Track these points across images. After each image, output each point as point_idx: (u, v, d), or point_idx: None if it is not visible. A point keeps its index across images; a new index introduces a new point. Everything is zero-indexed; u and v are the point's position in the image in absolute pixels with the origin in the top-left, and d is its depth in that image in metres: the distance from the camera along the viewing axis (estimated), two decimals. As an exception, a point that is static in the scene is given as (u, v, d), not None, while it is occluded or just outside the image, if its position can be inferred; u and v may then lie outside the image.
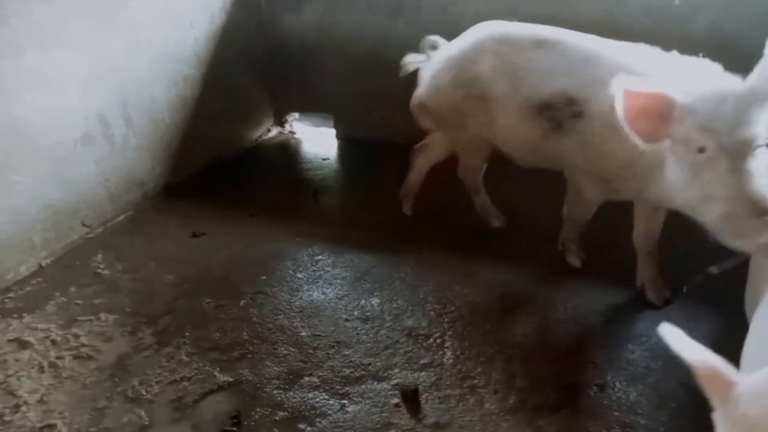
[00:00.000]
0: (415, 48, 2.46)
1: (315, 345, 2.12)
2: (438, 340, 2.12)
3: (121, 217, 2.90)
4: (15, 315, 2.27)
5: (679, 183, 1.70)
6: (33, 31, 2.36)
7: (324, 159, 3.54)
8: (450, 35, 3.13)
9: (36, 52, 2.39)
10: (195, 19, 3.11)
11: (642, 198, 2.03)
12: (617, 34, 2.88)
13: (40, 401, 1.90)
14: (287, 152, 3.75)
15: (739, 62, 2.43)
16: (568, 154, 2.12)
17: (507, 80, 2.17)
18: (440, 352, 2.06)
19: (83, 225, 2.72)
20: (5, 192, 2.37)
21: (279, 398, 1.91)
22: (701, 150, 1.57)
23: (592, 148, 2.02)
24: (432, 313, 2.25)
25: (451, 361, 2.03)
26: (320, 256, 2.61)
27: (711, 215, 1.61)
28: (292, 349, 2.10)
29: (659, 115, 1.60)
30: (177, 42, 3.02)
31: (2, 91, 2.30)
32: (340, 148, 3.75)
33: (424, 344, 2.10)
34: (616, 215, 2.30)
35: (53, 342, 2.14)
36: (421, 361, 2.02)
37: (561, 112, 2.04)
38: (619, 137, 1.70)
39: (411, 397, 1.89)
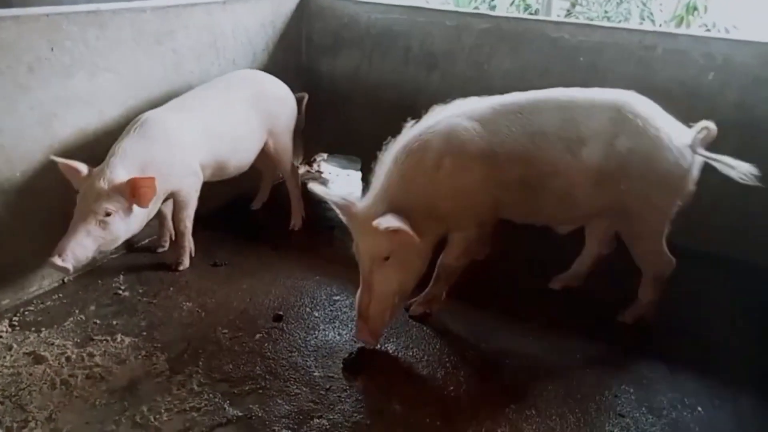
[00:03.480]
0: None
1: (327, 386, 2.09)
2: (452, 394, 2.08)
3: (146, 241, 2.93)
4: (33, 328, 2.29)
5: None
6: (85, 54, 2.47)
7: (348, 200, 3.58)
8: (481, 91, 3.23)
9: (85, 74, 2.49)
10: (237, 56, 3.22)
11: None
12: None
13: (49, 418, 1.89)
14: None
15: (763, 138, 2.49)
16: None
17: None
18: (455, 405, 2.03)
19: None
20: (36, 208, 2.42)
21: (288, 438, 1.88)
22: None
23: None
24: (448, 365, 2.23)
25: (467, 415, 1.99)
26: (338, 297, 2.61)
27: None
28: (304, 389, 2.08)
29: None
30: (218, 76, 3.11)
31: (49, 110, 2.39)
32: (365, 190, 3.78)
33: (439, 396, 2.07)
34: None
35: (68, 359, 2.15)
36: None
37: None
38: None
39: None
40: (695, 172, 2.20)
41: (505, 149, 2.14)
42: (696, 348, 2.37)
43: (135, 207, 2.32)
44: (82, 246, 2.21)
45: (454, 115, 2.21)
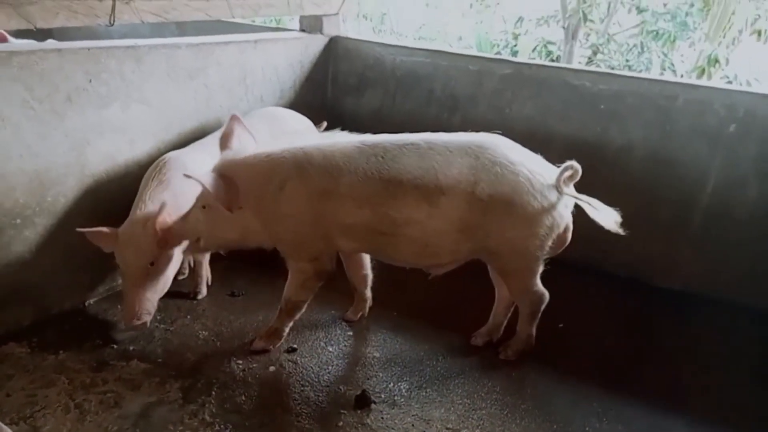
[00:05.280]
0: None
1: (339, 423, 2.08)
2: (465, 437, 2.05)
3: (166, 269, 2.97)
4: (51, 350, 2.32)
5: None
6: (121, 86, 2.57)
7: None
8: (502, 135, 3.28)
9: (119, 105, 2.59)
10: (265, 93, 3.32)
11: None
12: (666, 156, 2.94)
13: (61, 442, 1.90)
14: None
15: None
16: None
17: None
18: (466, 450, 1.99)
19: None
20: (62, 231, 2.48)
21: (297, 474, 1.86)
22: None
23: None
24: (461, 407, 2.20)
25: (476, 460, 1.96)
26: (352, 332, 2.61)
27: None
28: (316, 424, 2.06)
29: None
30: (245, 112, 3.21)
31: (83, 138, 2.48)
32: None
33: (450, 439, 2.04)
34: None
35: (83, 383, 2.17)
36: (446, 457, 1.96)
37: None
38: None
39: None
40: (563, 211, 2.19)
41: (353, 191, 2.15)
42: (721, 407, 2.28)
43: None
44: (146, 301, 2.33)
45: (316, 145, 2.25)
